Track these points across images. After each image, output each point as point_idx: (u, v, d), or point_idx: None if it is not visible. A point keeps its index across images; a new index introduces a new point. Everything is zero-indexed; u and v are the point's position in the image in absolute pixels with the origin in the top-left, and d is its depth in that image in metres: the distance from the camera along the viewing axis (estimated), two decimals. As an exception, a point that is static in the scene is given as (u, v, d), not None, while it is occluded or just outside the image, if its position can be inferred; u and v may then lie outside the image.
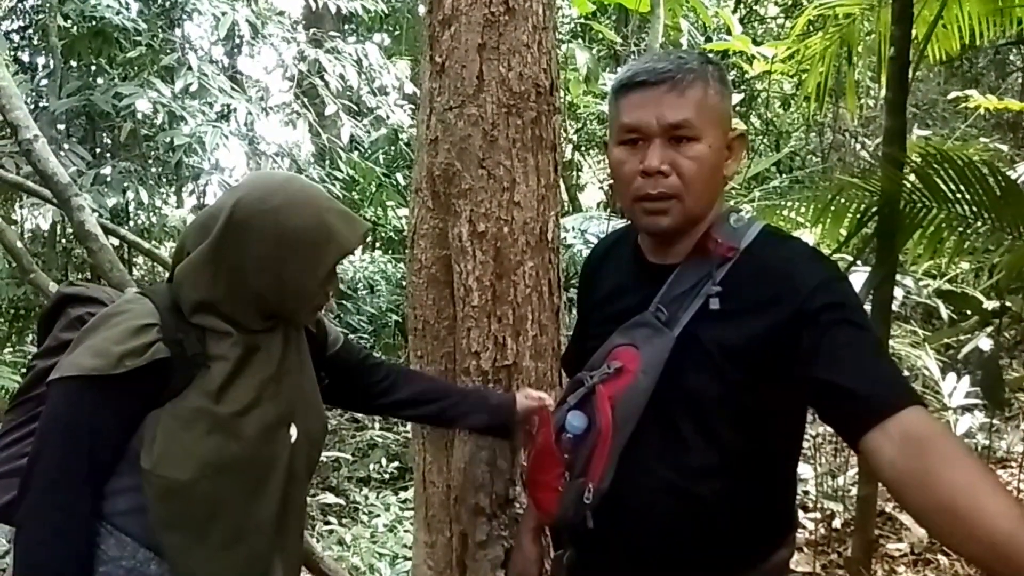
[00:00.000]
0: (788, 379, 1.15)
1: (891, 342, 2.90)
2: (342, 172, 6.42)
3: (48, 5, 5.15)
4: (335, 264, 1.37)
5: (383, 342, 6.74)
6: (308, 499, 4.77)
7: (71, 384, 1.22)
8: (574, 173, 7.66)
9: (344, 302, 6.64)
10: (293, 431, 1.38)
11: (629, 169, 1.25)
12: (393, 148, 6.81)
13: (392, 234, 7.63)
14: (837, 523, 3.96)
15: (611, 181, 7.44)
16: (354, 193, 7.11)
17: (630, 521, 1.26)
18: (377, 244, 8.06)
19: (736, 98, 4.39)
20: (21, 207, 6.30)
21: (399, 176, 6.83)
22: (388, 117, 6.19)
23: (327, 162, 6.34)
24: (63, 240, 6.66)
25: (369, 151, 6.79)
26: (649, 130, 1.23)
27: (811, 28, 4.97)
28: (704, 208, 1.26)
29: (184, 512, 1.28)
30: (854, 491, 3.58)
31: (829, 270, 1.21)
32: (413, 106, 6.38)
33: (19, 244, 2.98)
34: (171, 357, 1.25)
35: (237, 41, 5.92)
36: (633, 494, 1.24)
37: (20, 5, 6.28)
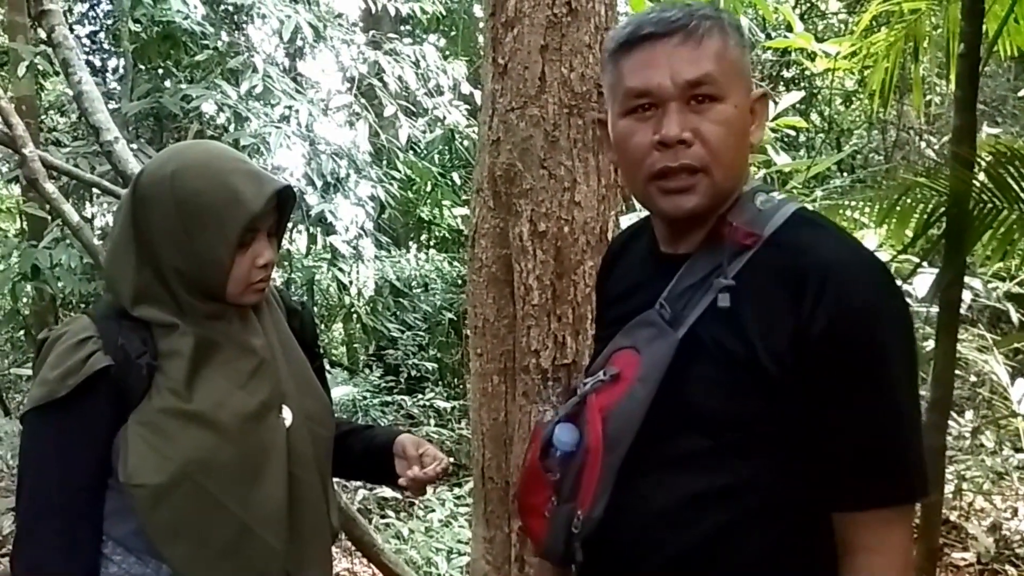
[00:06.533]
0: (798, 409, 0.97)
1: (958, 346, 2.83)
2: (399, 172, 6.51)
3: (121, 10, 5.33)
4: (245, 229, 1.24)
5: (437, 340, 6.82)
6: (366, 491, 4.80)
7: (28, 419, 1.22)
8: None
9: (400, 299, 6.73)
10: (287, 415, 1.31)
11: (640, 142, 1.02)
12: (449, 148, 6.88)
13: (447, 233, 7.71)
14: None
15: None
16: (410, 192, 7.20)
17: (624, 556, 1.05)
18: (432, 243, 8.14)
19: (796, 95, 4.31)
20: (92, 205, 6.53)
21: (455, 176, 6.90)
22: (444, 117, 6.26)
23: (384, 162, 6.43)
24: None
25: (425, 151, 6.87)
26: (662, 92, 1.00)
27: (875, 24, 4.86)
28: (733, 183, 1.04)
29: (177, 519, 1.21)
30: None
31: (872, 286, 0.98)
32: (469, 106, 6.43)
33: (95, 241, 3.10)
34: (115, 364, 1.21)
35: (299, 44, 6.04)
36: (627, 525, 1.03)
37: (93, 11, 6.52)
